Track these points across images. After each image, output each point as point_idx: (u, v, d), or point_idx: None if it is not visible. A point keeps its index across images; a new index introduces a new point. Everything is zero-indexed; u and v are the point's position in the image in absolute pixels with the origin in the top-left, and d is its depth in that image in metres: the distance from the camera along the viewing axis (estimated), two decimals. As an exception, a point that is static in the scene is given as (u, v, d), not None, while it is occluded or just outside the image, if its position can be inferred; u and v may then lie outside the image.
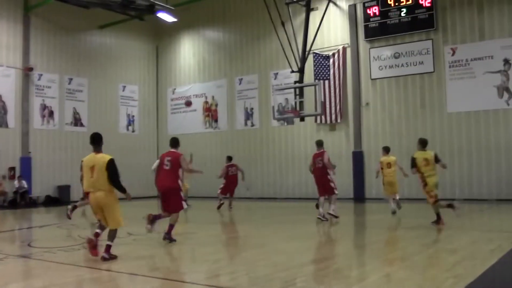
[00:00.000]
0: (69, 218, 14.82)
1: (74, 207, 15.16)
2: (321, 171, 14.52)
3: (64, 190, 25.36)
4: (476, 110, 21.19)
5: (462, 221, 14.10)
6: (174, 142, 11.25)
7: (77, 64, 27.19)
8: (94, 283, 6.94)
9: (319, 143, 14.94)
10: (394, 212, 15.29)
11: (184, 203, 10.78)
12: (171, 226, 10.64)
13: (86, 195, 9.85)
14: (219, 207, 19.03)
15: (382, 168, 16.12)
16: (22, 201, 23.64)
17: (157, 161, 11.31)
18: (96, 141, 9.09)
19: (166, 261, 9.04)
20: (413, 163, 13.27)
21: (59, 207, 21.01)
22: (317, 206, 14.85)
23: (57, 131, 26.03)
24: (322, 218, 14.18)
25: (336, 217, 14.29)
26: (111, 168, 8.55)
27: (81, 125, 27.10)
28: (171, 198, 10.65)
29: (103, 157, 8.71)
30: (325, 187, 14.48)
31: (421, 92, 22.38)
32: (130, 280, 7.30)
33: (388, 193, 16.03)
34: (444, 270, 7.05)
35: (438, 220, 12.76)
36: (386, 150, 16.55)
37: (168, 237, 10.59)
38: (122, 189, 8.69)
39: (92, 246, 8.60)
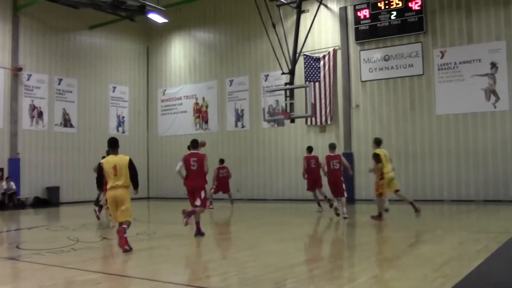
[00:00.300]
0: (98, 218, 15.42)
1: (101, 207, 15.60)
2: (337, 173, 15.43)
3: (53, 191, 25.25)
4: (464, 112, 21.35)
5: (450, 222, 14.22)
6: (196, 144, 12.27)
7: (66, 64, 27.05)
8: (83, 285, 6.93)
9: (333, 146, 15.87)
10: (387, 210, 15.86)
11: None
12: (198, 223, 11.73)
13: (105, 192, 10.44)
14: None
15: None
16: (10, 202, 23.42)
17: (180, 163, 11.97)
18: (114, 144, 10.10)
19: (156, 262, 9.04)
20: (378, 159, 14.12)
21: (48, 208, 20.96)
22: (331, 205, 16.01)
23: (46, 132, 25.87)
24: (345, 215, 15.00)
25: (347, 218, 14.95)
26: (133, 166, 9.89)
27: (71, 126, 26.97)
28: (200, 195, 11.66)
29: (123, 157, 9.93)
30: (339, 189, 15.35)
31: (411, 94, 22.52)
32: (120, 282, 7.31)
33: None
34: (432, 270, 7.11)
35: (378, 216, 14.12)
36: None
37: (199, 233, 11.61)
38: (137, 185, 10.00)
39: (124, 242, 9.48)
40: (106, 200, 11.04)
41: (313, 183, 17.59)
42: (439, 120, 21.87)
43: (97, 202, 16.28)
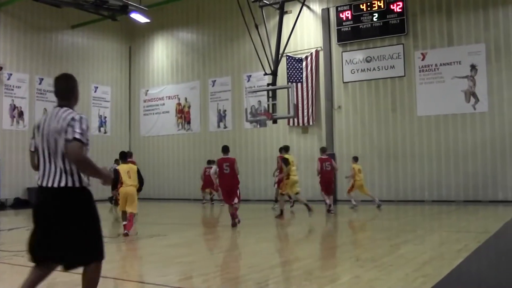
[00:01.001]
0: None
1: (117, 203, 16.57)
2: (330, 174, 17.62)
3: (34, 192, 24.95)
4: (445, 114, 21.57)
5: (431, 222, 14.35)
6: (227, 149, 14.36)
7: (48, 64, 26.78)
8: (65, 286, 6.89)
9: (325, 149, 18.11)
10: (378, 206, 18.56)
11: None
12: (233, 215, 13.68)
13: (117, 190, 13.31)
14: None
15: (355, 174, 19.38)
16: (-8, 203, 23.25)
17: (215, 167, 14.11)
18: (124, 156, 13.47)
19: (138, 263, 9.04)
20: (287, 163, 16.11)
21: (28, 209, 20.73)
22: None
23: (27, 132, 25.47)
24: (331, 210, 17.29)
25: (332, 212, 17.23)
26: (140, 172, 13.20)
27: (52, 126, 26.71)
28: (234, 193, 13.86)
29: (133, 165, 13.32)
30: (330, 187, 17.78)
31: (392, 95, 22.69)
32: (102, 283, 7.24)
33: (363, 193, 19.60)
34: (414, 270, 7.19)
35: (280, 215, 15.76)
36: (356, 159, 19.97)
37: (235, 222, 13.63)
38: (142, 186, 13.29)
39: (130, 226, 12.30)
40: (118, 195, 13.47)
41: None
42: (420, 121, 22.07)
43: (111, 200, 20.93)
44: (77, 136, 4.46)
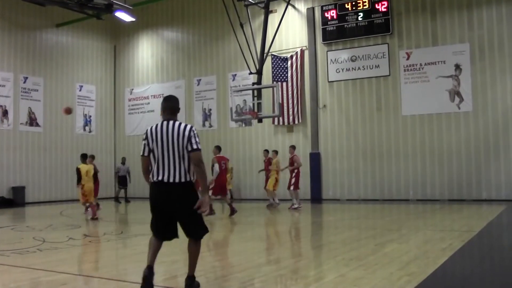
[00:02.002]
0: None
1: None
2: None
3: (18, 191, 24.80)
4: (429, 113, 21.70)
5: (416, 221, 14.42)
6: (220, 148, 17.38)
7: (32, 62, 26.60)
8: (50, 285, 6.85)
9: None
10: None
11: None
12: (231, 205, 16.25)
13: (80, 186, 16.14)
14: None
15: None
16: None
17: (217, 164, 16.25)
18: (85, 157, 16.56)
19: (122, 262, 9.00)
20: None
21: (13, 208, 20.61)
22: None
23: (12, 131, 25.38)
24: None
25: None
26: (96, 174, 16.56)
27: (37, 125, 26.55)
28: (226, 187, 17.20)
29: (91, 166, 16.49)
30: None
31: (377, 95, 22.79)
32: (86, 283, 7.25)
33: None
34: (398, 269, 7.22)
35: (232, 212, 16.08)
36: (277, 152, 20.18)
37: (233, 212, 15.92)
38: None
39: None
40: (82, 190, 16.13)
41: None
42: (405, 120, 22.19)
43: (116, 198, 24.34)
44: (199, 146, 6.00)
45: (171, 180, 5.87)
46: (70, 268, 8.34)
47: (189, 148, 5.91)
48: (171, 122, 6.01)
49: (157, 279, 6.41)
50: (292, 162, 18.61)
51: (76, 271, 8.11)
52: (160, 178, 5.90)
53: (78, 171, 16.05)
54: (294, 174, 18.61)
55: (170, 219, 6.03)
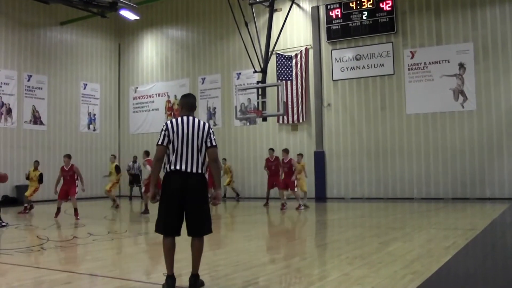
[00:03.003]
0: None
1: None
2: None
3: (22, 190, 24.59)
4: (434, 112, 21.68)
5: (420, 220, 14.41)
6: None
7: (36, 61, 26.62)
8: (53, 284, 6.86)
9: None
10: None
11: None
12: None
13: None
14: None
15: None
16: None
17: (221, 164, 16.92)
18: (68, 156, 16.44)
19: (126, 261, 9.01)
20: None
21: (16, 207, 20.61)
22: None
23: (15, 129, 25.39)
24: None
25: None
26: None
27: (41, 123, 26.58)
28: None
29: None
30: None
31: (381, 93, 22.77)
32: (90, 281, 7.27)
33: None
34: (402, 267, 7.22)
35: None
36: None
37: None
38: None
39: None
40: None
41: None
42: (409, 119, 22.17)
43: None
44: (215, 143, 6.34)
45: (189, 169, 6.16)
46: (74, 266, 8.36)
47: (208, 144, 6.26)
48: (191, 118, 6.37)
49: (160, 278, 6.43)
50: (290, 166, 18.37)
51: (80, 269, 8.12)
52: (178, 167, 6.17)
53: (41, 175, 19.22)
54: (294, 177, 18.39)
55: (180, 210, 6.17)
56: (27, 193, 19.06)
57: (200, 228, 6.24)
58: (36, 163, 19.37)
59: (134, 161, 25.60)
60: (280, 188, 18.48)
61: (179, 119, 6.35)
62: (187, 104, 6.57)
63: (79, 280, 7.28)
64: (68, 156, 16.66)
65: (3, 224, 13.89)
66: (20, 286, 6.79)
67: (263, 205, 19.64)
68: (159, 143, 6.29)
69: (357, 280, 6.57)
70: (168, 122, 6.38)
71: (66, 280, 7.10)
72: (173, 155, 6.23)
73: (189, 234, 6.24)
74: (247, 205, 21.17)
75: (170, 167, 6.23)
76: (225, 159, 24.42)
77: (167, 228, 6.22)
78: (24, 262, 8.54)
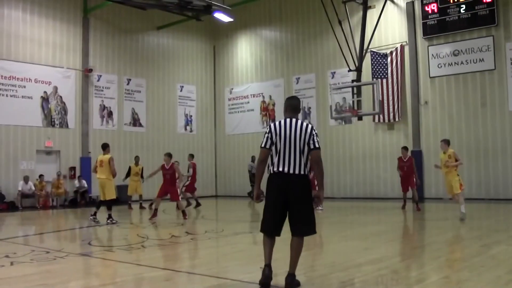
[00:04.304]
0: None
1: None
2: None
3: (123, 189, 25.65)
4: (540, 108, 20.61)
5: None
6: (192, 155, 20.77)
7: (135, 65, 27.67)
8: (152, 281, 7.06)
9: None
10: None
11: None
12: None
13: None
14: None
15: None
16: (82, 200, 24.23)
17: (191, 168, 18.78)
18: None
19: (223, 260, 9.13)
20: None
21: (118, 206, 21.38)
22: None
23: (116, 131, 26.48)
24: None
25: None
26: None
27: (140, 125, 27.55)
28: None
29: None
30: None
31: (482, 90, 21.87)
32: (189, 279, 7.41)
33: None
34: (507, 272, 6.89)
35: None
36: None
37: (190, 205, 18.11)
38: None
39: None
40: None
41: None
42: (512, 116, 21.18)
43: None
44: (319, 145, 6.33)
45: (291, 171, 6.23)
46: (172, 264, 8.56)
47: (311, 146, 6.28)
48: (293, 120, 6.43)
49: (257, 277, 6.45)
50: (411, 165, 17.66)
51: (178, 267, 8.30)
52: (281, 169, 6.28)
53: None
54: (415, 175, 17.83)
55: (282, 211, 6.29)
56: (131, 192, 21.61)
57: (304, 228, 6.29)
58: (137, 158, 21.03)
59: (252, 160, 25.88)
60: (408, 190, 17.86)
61: (282, 121, 6.45)
62: (291, 106, 6.63)
63: (178, 277, 7.46)
64: (169, 155, 17.05)
65: (113, 222, 14.55)
66: (122, 282, 7.04)
67: (401, 207, 18.13)
68: (262, 145, 6.42)
69: (457, 283, 6.34)
70: (272, 124, 6.48)
71: (165, 277, 7.29)
72: (276, 157, 6.36)
73: (293, 234, 6.30)
74: (343, 206, 20.95)
75: (273, 169, 6.36)
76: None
77: (269, 228, 6.39)
78: (126, 259, 8.84)
